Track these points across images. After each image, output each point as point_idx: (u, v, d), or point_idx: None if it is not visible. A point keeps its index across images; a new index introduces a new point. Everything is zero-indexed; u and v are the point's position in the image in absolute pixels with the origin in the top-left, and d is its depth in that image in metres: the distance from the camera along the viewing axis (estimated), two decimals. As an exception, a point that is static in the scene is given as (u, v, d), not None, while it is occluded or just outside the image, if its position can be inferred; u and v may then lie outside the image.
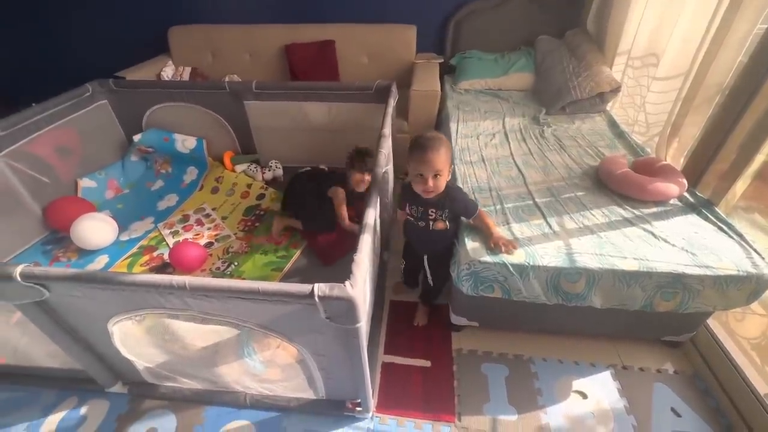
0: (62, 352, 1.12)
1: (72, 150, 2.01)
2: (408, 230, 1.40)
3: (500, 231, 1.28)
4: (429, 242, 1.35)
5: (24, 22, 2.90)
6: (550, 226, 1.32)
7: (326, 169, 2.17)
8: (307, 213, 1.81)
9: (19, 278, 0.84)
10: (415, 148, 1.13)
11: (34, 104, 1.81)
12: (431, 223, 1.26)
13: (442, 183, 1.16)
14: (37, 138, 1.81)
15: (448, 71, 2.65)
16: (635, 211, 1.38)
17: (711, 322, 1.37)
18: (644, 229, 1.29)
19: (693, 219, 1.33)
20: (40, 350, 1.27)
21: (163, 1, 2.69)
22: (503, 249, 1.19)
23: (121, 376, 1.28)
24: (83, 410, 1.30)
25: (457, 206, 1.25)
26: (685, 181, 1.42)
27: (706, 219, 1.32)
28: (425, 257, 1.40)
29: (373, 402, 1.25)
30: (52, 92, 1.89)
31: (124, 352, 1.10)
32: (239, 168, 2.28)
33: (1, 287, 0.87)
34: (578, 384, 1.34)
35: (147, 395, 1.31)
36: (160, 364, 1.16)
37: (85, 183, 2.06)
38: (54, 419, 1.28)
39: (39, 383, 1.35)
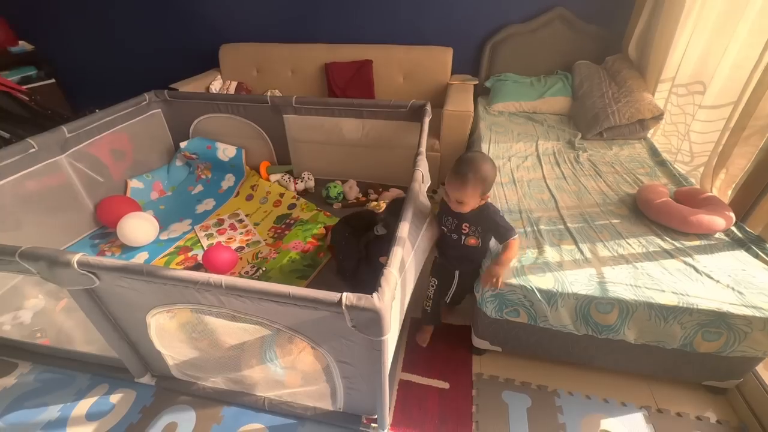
0: (100, 339, 1.19)
1: (125, 153, 2.18)
2: (441, 244, 1.38)
3: (531, 253, 1.25)
4: (461, 257, 1.33)
5: (92, 38, 3.22)
6: (582, 253, 1.28)
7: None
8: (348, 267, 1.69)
9: (75, 266, 0.92)
10: (452, 170, 1.14)
11: (97, 110, 1.99)
12: (463, 237, 1.25)
13: (466, 209, 1.17)
14: (97, 140, 1.98)
15: (482, 93, 2.66)
16: (676, 243, 1.31)
17: (760, 369, 1.26)
18: (685, 263, 1.22)
19: (741, 255, 1.25)
20: (81, 336, 1.36)
21: (217, 22, 2.91)
22: (488, 283, 1.18)
23: (151, 368, 1.34)
24: (112, 398, 1.36)
25: (489, 226, 1.23)
26: (732, 215, 1.34)
27: (756, 256, 1.24)
28: (456, 273, 1.37)
29: (388, 419, 1.23)
30: (114, 101, 2.08)
31: (158, 345, 1.15)
32: (273, 177, 2.37)
33: (59, 273, 0.95)
34: (607, 423, 1.26)
35: (172, 389, 1.36)
36: (188, 359, 1.20)
37: (134, 184, 2.22)
38: (85, 404, 1.34)
39: (76, 367, 1.44)
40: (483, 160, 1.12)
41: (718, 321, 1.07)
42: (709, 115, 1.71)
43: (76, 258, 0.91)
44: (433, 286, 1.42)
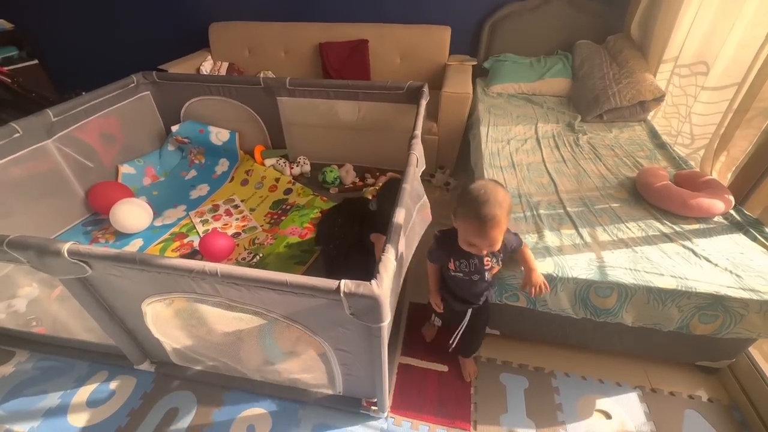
0: (97, 327, 1.18)
1: (115, 137, 2.12)
2: (453, 288, 1.16)
3: (531, 238, 1.25)
4: (481, 293, 1.16)
5: (75, 16, 3.08)
6: (582, 237, 1.27)
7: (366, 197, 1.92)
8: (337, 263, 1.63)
9: (66, 255, 0.89)
10: (472, 217, 0.92)
11: (83, 93, 1.92)
12: (486, 273, 1.09)
13: (499, 246, 0.99)
14: (85, 124, 1.91)
15: (480, 74, 2.61)
16: (675, 227, 1.31)
17: (752, 350, 1.28)
18: (684, 246, 1.22)
19: (739, 238, 1.25)
20: (77, 324, 1.34)
21: (206, -1, 2.79)
22: (534, 291, 1.08)
23: (150, 355, 1.34)
24: (112, 385, 1.36)
25: (508, 247, 1.09)
26: (731, 198, 1.33)
27: (754, 239, 1.24)
28: (470, 311, 1.20)
29: (388, 401, 1.24)
30: (100, 82, 2.00)
31: (155, 332, 1.14)
32: (268, 162, 2.33)
33: (50, 262, 0.92)
34: (602, 403, 1.28)
35: (172, 375, 1.36)
36: (186, 346, 1.20)
37: (125, 169, 2.17)
38: (85, 391, 1.35)
39: (74, 355, 1.43)
40: (498, 189, 0.93)
41: (715, 304, 1.08)
42: (711, 97, 1.68)
43: (66, 247, 0.89)
44: (436, 323, 1.42)
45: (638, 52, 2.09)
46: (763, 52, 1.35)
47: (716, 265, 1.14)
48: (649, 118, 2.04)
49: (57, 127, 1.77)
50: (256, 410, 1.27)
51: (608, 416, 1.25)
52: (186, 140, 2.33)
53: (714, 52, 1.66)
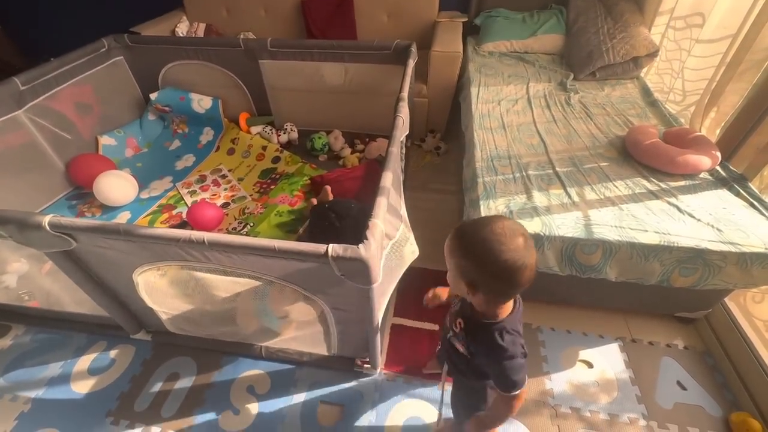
0: (90, 299, 1.19)
1: (91, 107, 2.02)
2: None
3: (520, 199, 1.25)
4: (448, 353, 0.92)
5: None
6: (570, 197, 1.28)
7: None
8: None
9: (48, 228, 0.88)
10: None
11: (52, 59, 1.81)
12: (450, 333, 0.88)
13: (453, 291, 0.79)
14: (57, 93, 1.82)
15: (471, 32, 2.50)
16: (661, 184, 1.32)
17: (728, 301, 1.34)
18: (669, 203, 1.24)
19: (723, 194, 1.27)
20: (70, 298, 1.35)
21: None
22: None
23: (145, 324, 1.36)
24: (112, 353, 1.39)
25: (482, 352, 0.79)
26: (718, 154, 1.34)
27: (737, 194, 1.26)
28: (445, 366, 0.98)
29: (381, 360, 1.30)
30: (69, 48, 1.88)
31: (149, 302, 1.15)
32: (254, 130, 2.26)
33: (32, 236, 0.91)
34: (585, 354, 1.35)
35: (169, 343, 1.39)
36: (182, 314, 1.22)
37: (105, 140, 2.10)
38: (86, 360, 1.38)
39: (70, 327, 1.45)
40: (482, 224, 0.67)
41: (695, 257, 1.11)
42: (705, 50, 1.64)
43: (47, 220, 0.87)
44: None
45: (634, 5, 2.01)
46: (759, 1, 1.31)
47: (699, 220, 1.17)
48: (642, 74, 2.00)
49: (27, 96, 1.68)
50: (254, 372, 1.32)
51: (590, 365, 1.32)
52: (167, 108, 2.23)
53: (711, 2, 1.60)
